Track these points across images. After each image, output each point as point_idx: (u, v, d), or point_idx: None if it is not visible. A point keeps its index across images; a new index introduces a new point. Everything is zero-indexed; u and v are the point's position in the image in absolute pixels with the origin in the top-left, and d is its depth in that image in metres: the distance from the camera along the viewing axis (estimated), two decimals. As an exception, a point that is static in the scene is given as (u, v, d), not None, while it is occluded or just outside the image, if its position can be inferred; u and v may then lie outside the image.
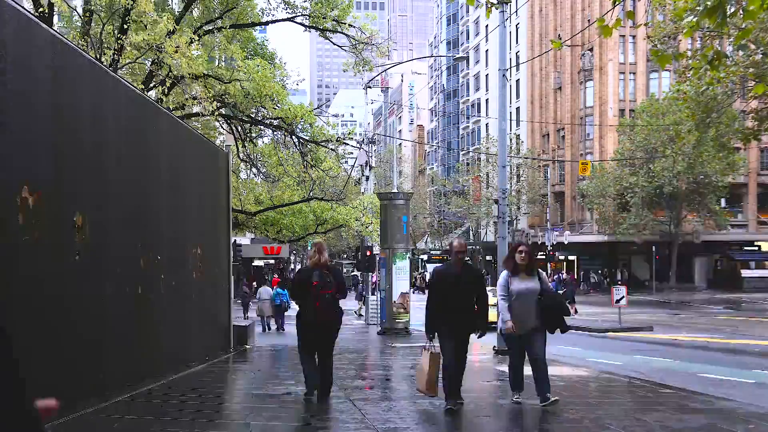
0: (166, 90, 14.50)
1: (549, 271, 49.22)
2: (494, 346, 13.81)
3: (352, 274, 43.76)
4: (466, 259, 7.65)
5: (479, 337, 7.21)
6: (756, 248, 49.95)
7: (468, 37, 77.21)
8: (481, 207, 58.28)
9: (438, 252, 66.19)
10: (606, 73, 50.77)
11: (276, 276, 39.48)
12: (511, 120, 59.95)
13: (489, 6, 6.78)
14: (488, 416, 7.28)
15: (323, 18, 17.06)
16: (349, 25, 17.56)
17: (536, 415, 7.02)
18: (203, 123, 19.10)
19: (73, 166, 6.62)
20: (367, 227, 24.88)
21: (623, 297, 20.97)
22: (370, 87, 31.24)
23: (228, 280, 13.83)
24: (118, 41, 13.35)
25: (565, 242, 47.79)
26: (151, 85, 15.09)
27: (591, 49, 51.97)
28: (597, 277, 50.17)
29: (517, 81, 62.38)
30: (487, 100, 70.34)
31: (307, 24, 17.82)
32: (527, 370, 7.29)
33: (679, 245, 44.18)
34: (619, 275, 48.65)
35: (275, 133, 20.09)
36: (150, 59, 14.56)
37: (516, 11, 54.52)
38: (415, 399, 8.00)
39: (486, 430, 6.82)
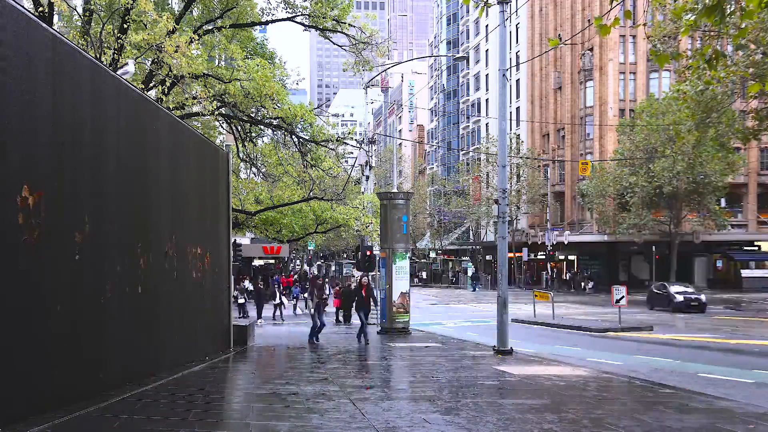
0: (166, 89, 14.48)
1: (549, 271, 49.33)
2: (494, 346, 13.81)
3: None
4: None
5: None
6: (756, 248, 49.94)
7: (468, 37, 77.18)
8: (481, 207, 58.28)
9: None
10: (606, 73, 50.76)
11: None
12: (511, 120, 59.97)
13: (484, 4, 6.76)
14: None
15: (323, 17, 17.05)
16: (349, 25, 17.55)
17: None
18: (203, 123, 19.09)
19: (73, 166, 6.62)
20: (367, 227, 24.88)
21: (623, 297, 20.93)
22: (370, 87, 31.23)
23: (228, 280, 13.83)
24: (118, 41, 13.34)
25: (565, 242, 47.81)
26: (151, 84, 15.09)
27: (591, 49, 51.96)
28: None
29: (517, 81, 62.37)
30: (487, 100, 70.33)
31: (307, 23, 17.81)
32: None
33: (679, 245, 44.16)
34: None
35: (275, 132, 20.08)
36: (150, 59, 14.56)
37: (516, 11, 54.54)
38: (414, 399, 8.01)
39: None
